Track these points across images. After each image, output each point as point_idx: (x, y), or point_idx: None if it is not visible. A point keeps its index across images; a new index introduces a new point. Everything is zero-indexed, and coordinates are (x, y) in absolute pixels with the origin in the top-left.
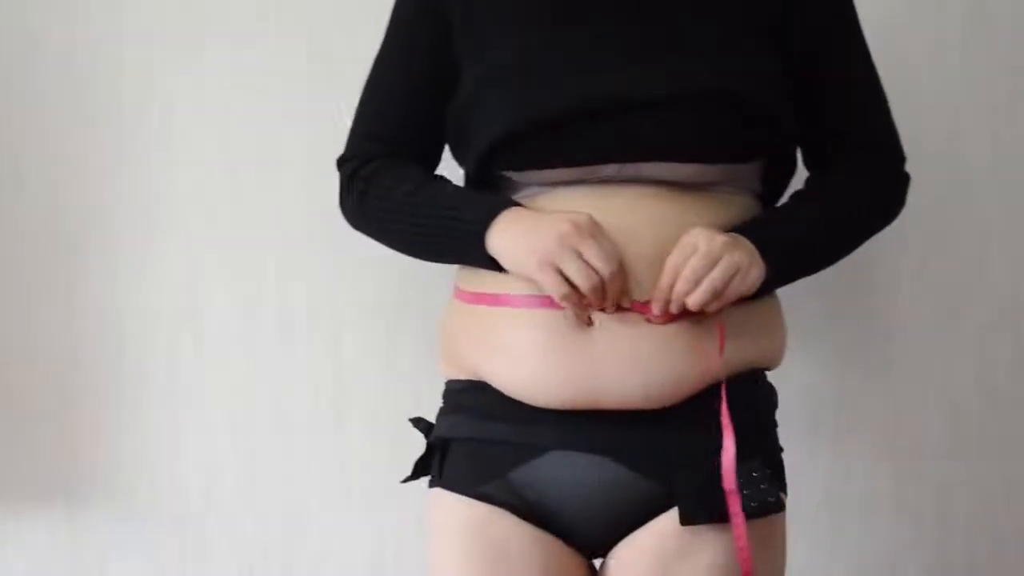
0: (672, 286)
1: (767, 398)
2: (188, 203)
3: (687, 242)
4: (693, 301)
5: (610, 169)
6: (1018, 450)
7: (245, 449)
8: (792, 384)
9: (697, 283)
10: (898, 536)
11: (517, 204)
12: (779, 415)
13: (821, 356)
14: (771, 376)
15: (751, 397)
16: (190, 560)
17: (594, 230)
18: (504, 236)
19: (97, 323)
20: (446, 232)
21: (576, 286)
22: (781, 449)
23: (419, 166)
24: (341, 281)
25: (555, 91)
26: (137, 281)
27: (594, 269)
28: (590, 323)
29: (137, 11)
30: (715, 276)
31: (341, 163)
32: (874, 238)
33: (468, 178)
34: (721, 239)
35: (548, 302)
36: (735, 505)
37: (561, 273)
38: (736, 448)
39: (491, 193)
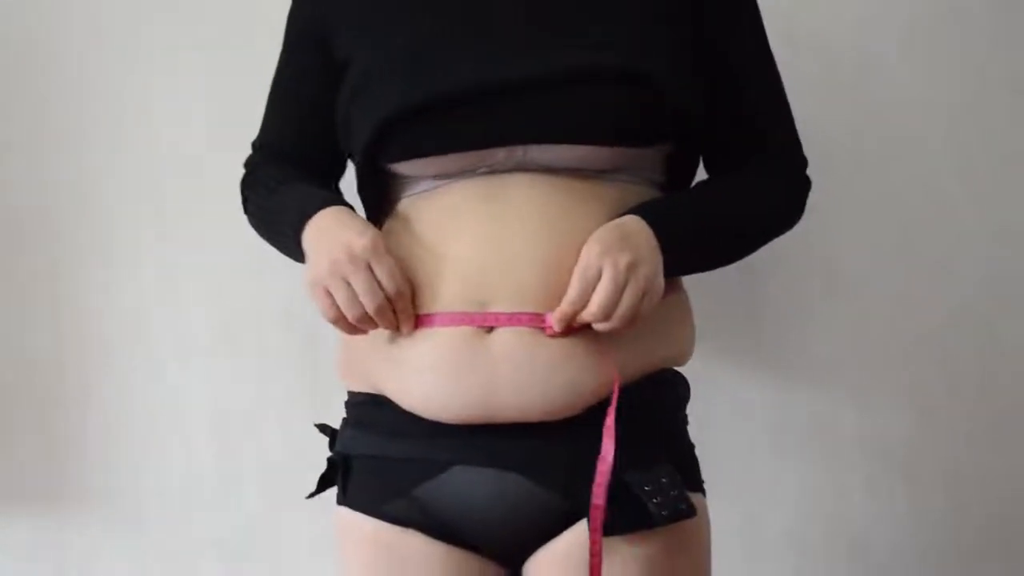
0: (577, 311)
1: (676, 396)
2: (171, 204)
3: (590, 263)
4: (602, 329)
5: (500, 155)
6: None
7: (227, 452)
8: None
9: (607, 316)
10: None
11: (336, 203)
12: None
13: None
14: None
15: (658, 398)
16: (173, 562)
17: (372, 258)
18: (308, 242)
19: (81, 325)
20: (284, 240)
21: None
22: (693, 446)
23: (292, 169)
24: None
25: (441, 73)
26: (121, 283)
27: (361, 300)
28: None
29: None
30: (624, 308)
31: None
32: (838, 231)
33: (359, 178)
34: (625, 259)
35: (472, 319)
36: (596, 520)
37: (332, 296)
38: (642, 455)
39: (335, 193)
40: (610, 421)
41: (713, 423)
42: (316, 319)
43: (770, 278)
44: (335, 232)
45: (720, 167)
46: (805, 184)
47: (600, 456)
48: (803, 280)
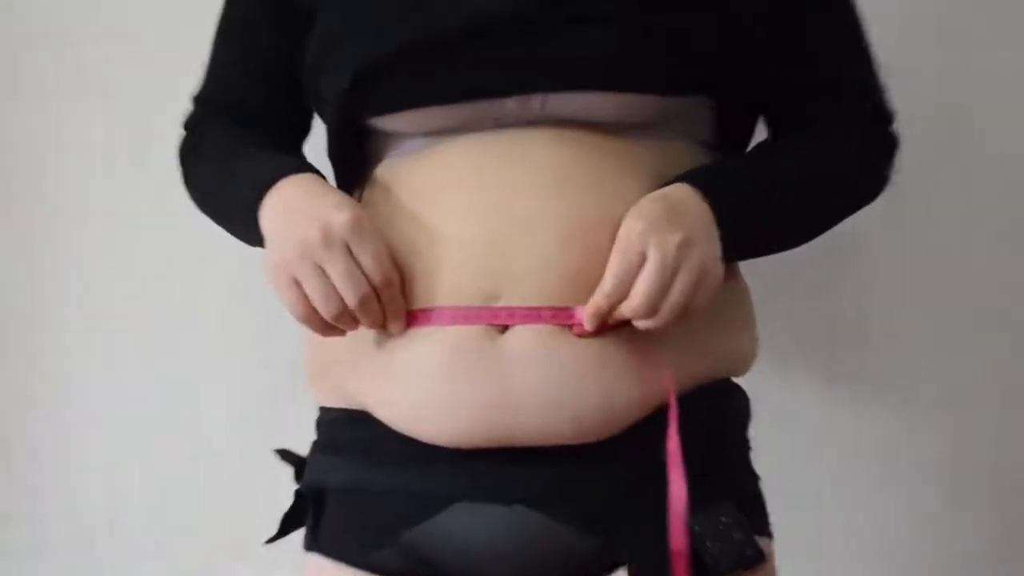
0: (614, 305)
1: (737, 414)
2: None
3: (631, 244)
4: (646, 326)
5: (511, 106)
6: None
7: (156, 486)
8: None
9: (653, 310)
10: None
11: (304, 170)
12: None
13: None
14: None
15: (714, 417)
16: None
17: (353, 238)
18: (268, 219)
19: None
20: (236, 218)
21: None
22: (758, 477)
23: (244, 130)
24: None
25: (437, 4)
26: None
27: (339, 292)
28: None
29: None
30: (674, 300)
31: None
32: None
33: (331, 137)
34: (675, 239)
35: (479, 316)
36: (681, 572)
37: (302, 288)
38: (695, 490)
39: (298, 157)
40: (673, 446)
41: (774, 448)
42: (268, 313)
43: (850, 267)
44: (304, 206)
45: (784, 124)
46: (891, 142)
47: (670, 493)
48: (894, 273)
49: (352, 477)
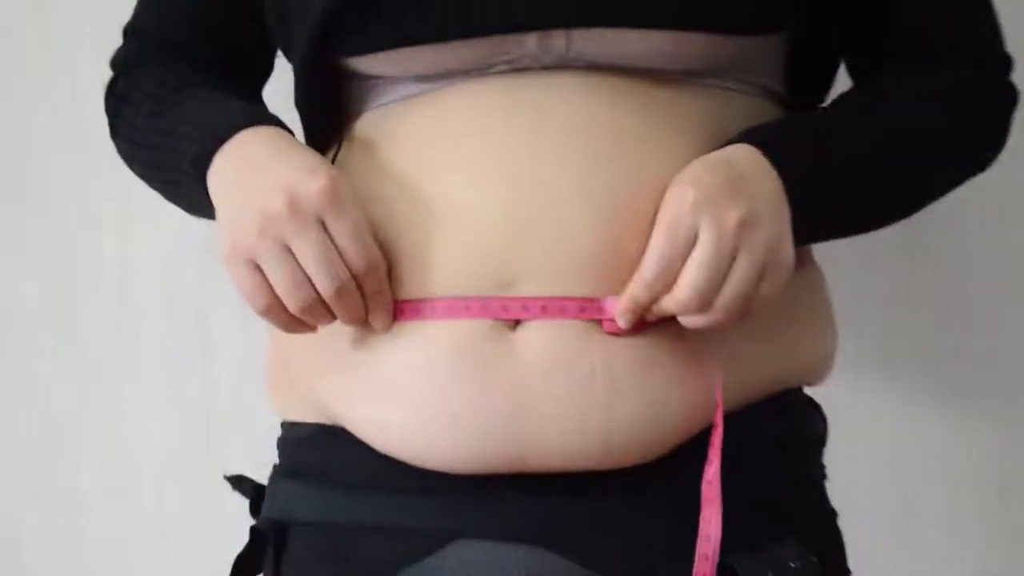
0: (656, 296)
1: (808, 433)
2: None
3: (680, 219)
4: (696, 325)
5: (528, 45)
6: None
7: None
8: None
9: (704, 304)
10: None
11: (265, 121)
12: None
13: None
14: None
15: (781, 437)
16: None
17: (328, 210)
18: (219, 184)
19: None
20: (176, 180)
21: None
22: (834, 513)
23: (189, 69)
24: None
25: None
26: None
27: (310, 278)
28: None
29: None
30: (733, 293)
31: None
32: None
33: (300, 82)
34: (735, 214)
35: (485, 308)
36: None
37: (264, 272)
38: (757, 527)
39: (257, 104)
40: (712, 475)
41: (856, 476)
42: (211, 302)
43: (948, 252)
44: (266, 168)
45: (873, 70)
46: (1009, 94)
47: (700, 530)
48: (1005, 260)
49: (325, 509)
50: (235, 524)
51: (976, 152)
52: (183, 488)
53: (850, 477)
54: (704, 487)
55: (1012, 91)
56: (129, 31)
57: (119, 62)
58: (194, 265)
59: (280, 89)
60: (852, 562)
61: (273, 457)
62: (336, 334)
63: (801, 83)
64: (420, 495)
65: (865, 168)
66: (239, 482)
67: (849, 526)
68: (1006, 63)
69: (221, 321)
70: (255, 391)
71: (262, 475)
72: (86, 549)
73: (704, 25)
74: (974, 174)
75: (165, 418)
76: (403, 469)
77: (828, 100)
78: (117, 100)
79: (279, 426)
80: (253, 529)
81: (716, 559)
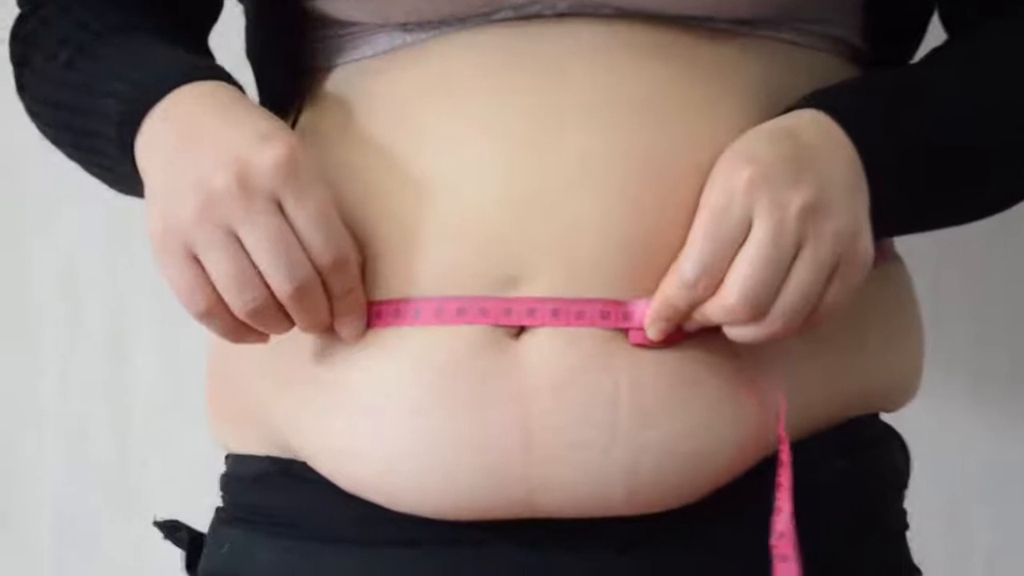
0: (696, 301)
1: (890, 472)
2: None
3: (730, 206)
4: (747, 337)
5: None
6: None
7: None
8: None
9: (759, 312)
10: None
11: (210, 75)
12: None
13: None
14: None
15: (856, 478)
16: None
17: (285, 188)
18: (150, 153)
19: None
20: (95, 146)
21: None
22: (918, 571)
23: (118, 10)
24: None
25: None
26: None
27: (262, 273)
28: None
29: None
30: (795, 295)
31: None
32: None
33: (254, 29)
34: (798, 199)
35: (483, 311)
36: None
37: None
38: None
39: (200, 55)
40: (784, 526)
41: (941, 523)
42: (128, 303)
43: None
44: (210, 133)
45: (975, 17)
46: None
47: None
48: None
49: (280, 565)
50: None
51: None
52: (91, 540)
53: (934, 525)
54: (775, 542)
55: None
56: None
57: (29, 1)
58: (103, 258)
59: (229, 36)
60: None
61: (213, 499)
62: (294, 345)
63: (884, 35)
64: (400, 548)
65: (965, 140)
66: (172, 530)
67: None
68: None
69: (136, 327)
70: (187, 416)
71: (198, 522)
72: None
73: None
74: None
75: (67, 450)
76: (378, 515)
77: (918, 59)
78: (24, 45)
79: (222, 461)
80: None
81: None
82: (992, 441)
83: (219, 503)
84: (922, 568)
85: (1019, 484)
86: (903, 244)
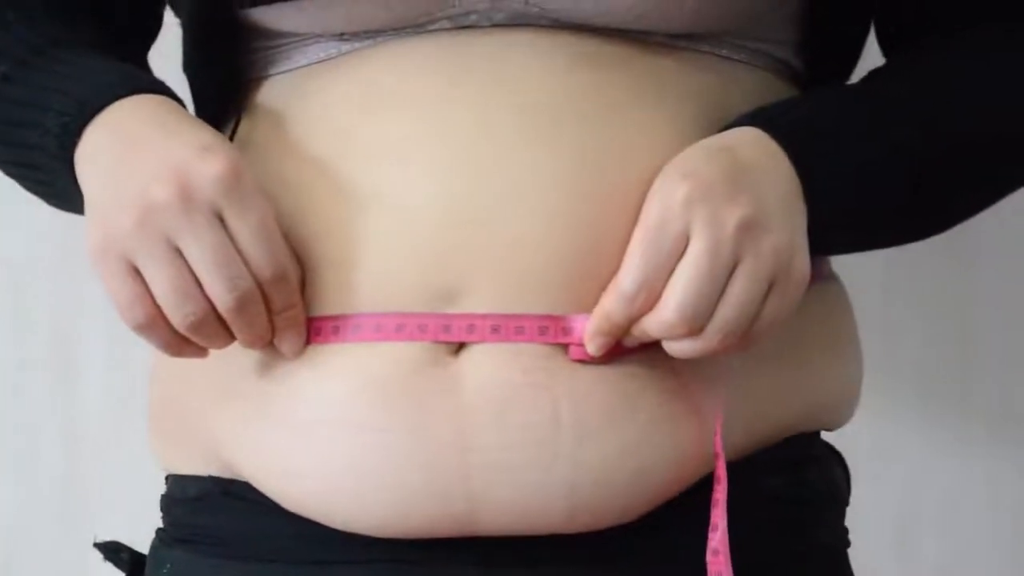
0: (635, 315)
1: (829, 489)
2: None
3: (667, 218)
4: (684, 353)
5: None
6: None
7: None
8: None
9: (695, 327)
10: None
11: (149, 89)
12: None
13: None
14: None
15: (796, 493)
16: None
17: (226, 200)
18: (90, 166)
19: None
20: (33, 160)
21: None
22: None
23: (57, 24)
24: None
25: None
26: None
27: (202, 286)
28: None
29: None
30: (732, 310)
31: None
32: None
33: (192, 42)
34: (736, 214)
35: (422, 328)
36: None
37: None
38: None
39: (140, 68)
40: (719, 543)
41: (886, 539)
42: (72, 317)
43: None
44: (150, 146)
45: (912, 37)
46: None
47: None
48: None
49: None
50: None
51: None
52: (35, 560)
53: (879, 541)
54: (710, 559)
55: None
56: None
57: None
58: (51, 272)
59: (167, 51)
60: None
61: (156, 519)
62: (234, 360)
63: (820, 54)
64: (342, 567)
65: (902, 160)
66: (113, 551)
67: None
68: None
69: (85, 342)
70: (130, 433)
71: (140, 542)
72: None
73: None
74: None
75: (12, 470)
76: (320, 534)
77: (855, 79)
78: None
79: (165, 480)
80: None
81: None
82: (940, 458)
83: (160, 525)
84: None
85: (968, 501)
86: (852, 262)
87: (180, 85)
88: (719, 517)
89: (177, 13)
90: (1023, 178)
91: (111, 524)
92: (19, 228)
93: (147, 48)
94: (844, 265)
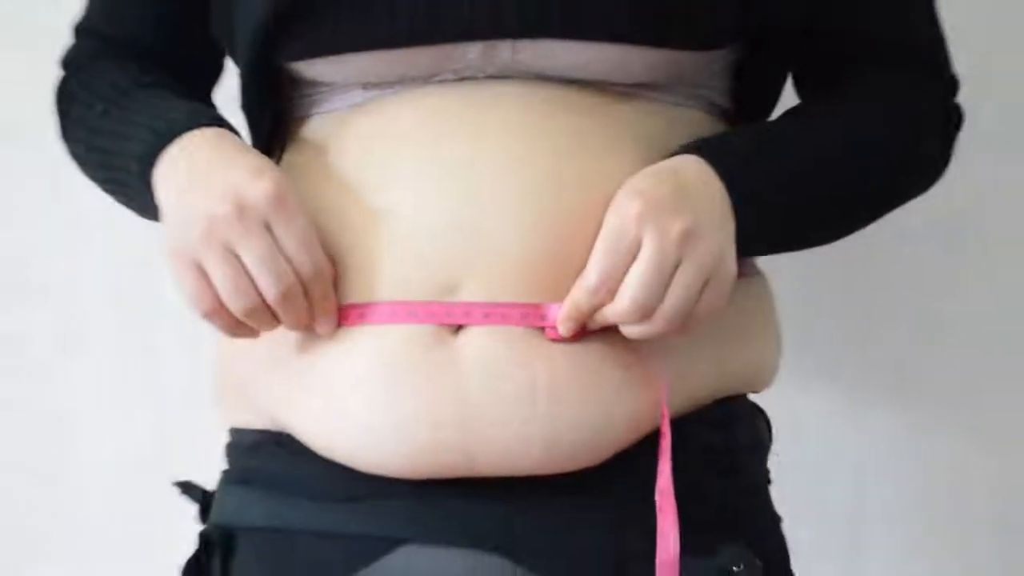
0: (598, 305)
1: (754, 439)
2: None
3: (624, 228)
4: (637, 334)
5: (472, 55)
6: None
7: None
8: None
9: (645, 314)
10: None
11: (213, 123)
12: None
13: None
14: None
15: (726, 443)
16: None
17: (274, 214)
18: (165, 186)
19: None
20: (122, 180)
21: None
22: (779, 519)
23: (139, 69)
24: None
25: None
26: None
27: (254, 282)
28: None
29: None
30: (674, 303)
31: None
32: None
33: (245, 85)
34: (678, 225)
35: (429, 313)
36: None
37: (208, 275)
38: (702, 532)
39: (205, 105)
40: (665, 483)
41: (801, 482)
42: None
43: (894, 262)
44: (212, 170)
45: (820, 87)
46: (954, 114)
47: (659, 539)
48: (956, 269)
49: (272, 515)
50: (184, 530)
51: (923, 171)
52: (133, 493)
53: (795, 482)
54: (658, 497)
55: (958, 112)
56: (80, 30)
57: (68, 61)
58: (142, 268)
59: (230, 91)
60: (796, 567)
61: (223, 464)
62: (280, 341)
63: (747, 98)
64: (366, 501)
65: (811, 182)
66: (188, 488)
67: (793, 531)
68: (953, 84)
69: (169, 328)
70: (205, 397)
71: (213, 481)
72: (39, 550)
73: (648, 39)
74: (919, 193)
75: (115, 424)
76: (349, 475)
77: (774, 117)
78: (67, 100)
79: (228, 433)
80: (202, 535)
81: (678, 569)
82: (843, 414)
83: (224, 467)
84: (784, 516)
85: (866, 448)
86: (774, 260)
87: (238, 119)
88: (664, 463)
89: (236, 62)
90: (894, 200)
91: (191, 469)
92: (118, 231)
93: (212, 88)
94: (768, 263)
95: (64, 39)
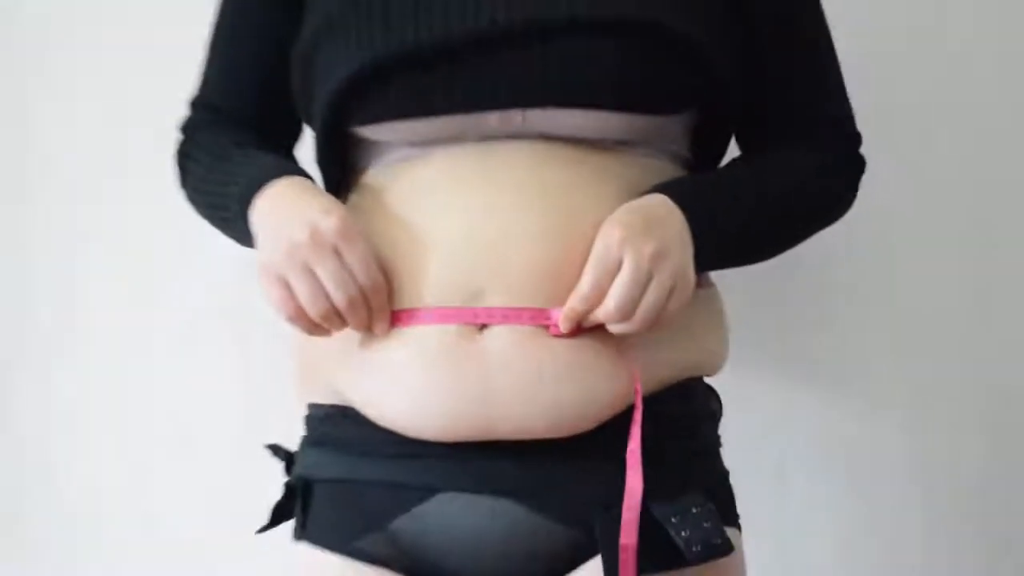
0: (589, 309)
1: (708, 412)
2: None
3: (609, 251)
4: (619, 331)
5: (492, 121)
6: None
7: (153, 477)
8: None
9: (626, 316)
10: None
11: (294, 173)
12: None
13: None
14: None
15: (686, 414)
16: None
17: (341, 241)
18: (259, 220)
19: None
20: (228, 218)
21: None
22: (727, 472)
23: (239, 133)
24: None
25: (423, 17)
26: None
27: (328, 294)
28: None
29: None
30: (647, 307)
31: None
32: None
33: (320, 144)
34: (649, 248)
35: (461, 316)
36: (628, 566)
37: (291, 288)
38: (667, 481)
39: (289, 161)
40: (635, 445)
41: (743, 445)
42: (250, 313)
43: (815, 272)
44: (295, 208)
45: (757, 142)
46: (858, 163)
47: (626, 488)
48: (856, 278)
49: (339, 469)
50: (273, 481)
51: (834, 208)
52: (237, 454)
53: (737, 444)
54: (628, 456)
55: (861, 161)
56: (193, 103)
57: (185, 127)
58: (244, 284)
59: (308, 149)
60: (740, 509)
61: (302, 431)
62: (346, 338)
63: (703, 151)
64: (411, 459)
65: (752, 214)
66: (276, 450)
67: (737, 481)
68: (857, 139)
69: (259, 327)
70: (287, 381)
71: (295, 444)
72: (157, 497)
73: (626, 107)
74: (832, 222)
75: (220, 401)
76: (398, 439)
77: (723, 163)
78: (185, 158)
79: (306, 407)
80: (286, 484)
81: (639, 510)
82: (774, 394)
83: (303, 433)
84: (731, 470)
85: (791, 420)
86: (724, 274)
87: (314, 171)
88: (636, 430)
89: (312, 127)
90: (811, 230)
91: (277, 436)
92: (218, 253)
93: (293, 146)
94: (719, 277)
95: (181, 111)
